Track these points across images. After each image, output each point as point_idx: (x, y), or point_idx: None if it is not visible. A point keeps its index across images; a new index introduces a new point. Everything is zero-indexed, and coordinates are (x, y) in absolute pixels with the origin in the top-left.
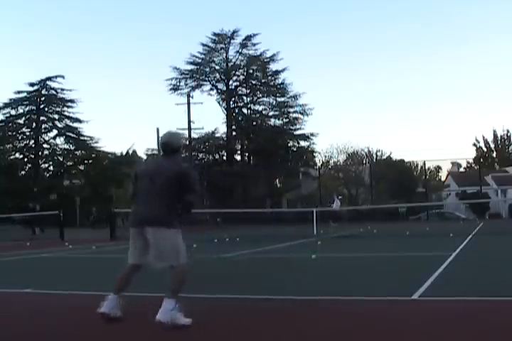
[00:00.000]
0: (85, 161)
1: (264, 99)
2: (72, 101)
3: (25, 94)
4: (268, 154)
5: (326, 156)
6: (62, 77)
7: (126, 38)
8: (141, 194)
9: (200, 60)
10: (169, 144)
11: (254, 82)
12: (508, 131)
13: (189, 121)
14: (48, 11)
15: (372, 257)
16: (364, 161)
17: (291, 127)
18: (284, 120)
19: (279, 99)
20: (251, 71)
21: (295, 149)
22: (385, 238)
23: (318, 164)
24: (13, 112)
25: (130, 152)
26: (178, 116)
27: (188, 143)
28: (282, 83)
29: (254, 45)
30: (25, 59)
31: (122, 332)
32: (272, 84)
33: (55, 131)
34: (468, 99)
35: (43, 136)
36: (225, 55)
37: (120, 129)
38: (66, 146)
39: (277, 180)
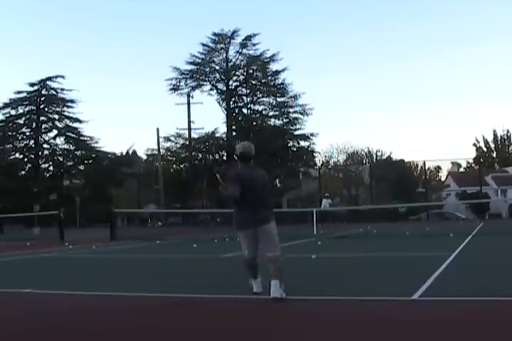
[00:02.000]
0: (85, 161)
1: (264, 99)
2: (72, 101)
3: (25, 94)
4: (268, 154)
5: (326, 156)
6: (62, 77)
7: (126, 38)
8: (250, 198)
9: (200, 60)
10: (245, 153)
11: (254, 82)
12: (508, 131)
13: (189, 121)
14: (48, 11)
15: (372, 257)
16: (364, 161)
17: (291, 127)
18: (284, 120)
19: (279, 99)
20: (251, 71)
21: (295, 149)
22: (385, 238)
23: (318, 164)
24: (13, 112)
25: (130, 152)
26: (178, 116)
27: (187, 143)
28: (282, 83)
29: (254, 45)
30: (25, 59)
31: (122, 331)
32: (272, 84)
33: (55, 131)
34: (468, 99)
35: (43, 136)
36: (225, 55)
37: (120, 129)
38: (66, 146)
39: (277, 180)
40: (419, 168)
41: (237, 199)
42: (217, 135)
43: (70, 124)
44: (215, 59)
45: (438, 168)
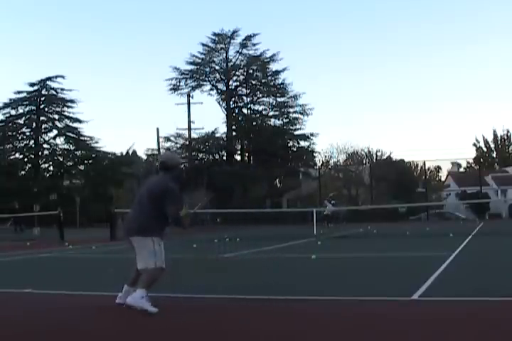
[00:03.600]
0: (85, 161)
1: (264, 99)
2: (72, 101)
3: (25, 94)
4: (268, 154)
5: (326, 156)
6: (62, 77)
7: (126, 38)
8: (132, 206)
9: (200, 60)
10: (164, 163)
11: (254, 82)
12: (508, 131)
13: (189, 121)
14: (48, 11)
15: (372, 257)
16: (364, 161)
17: (291, 127)
18: (284, 120)
19: (279, 99)
20: (251, 71)
21: (295, 149)
22: (385, 238)
23: (318, 164)
24: (13, 112)
25: (130, 152)
26: (178, 116)
27: (187, 143)
28: (282, 83)
29: (254, 45)
30: (25, 59)
31: (122, 331)
32: (272, 84)
33: (55, 131)
34: (468, 99)
35: (43, 136)
36: (225, 55)
37: (120, 129)
38: (66, 146)
39: (277, 180)
40: (419, 168)
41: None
42: (217, 135)
43: (70, 124)
44: (215, 59)
45: (438, 168)
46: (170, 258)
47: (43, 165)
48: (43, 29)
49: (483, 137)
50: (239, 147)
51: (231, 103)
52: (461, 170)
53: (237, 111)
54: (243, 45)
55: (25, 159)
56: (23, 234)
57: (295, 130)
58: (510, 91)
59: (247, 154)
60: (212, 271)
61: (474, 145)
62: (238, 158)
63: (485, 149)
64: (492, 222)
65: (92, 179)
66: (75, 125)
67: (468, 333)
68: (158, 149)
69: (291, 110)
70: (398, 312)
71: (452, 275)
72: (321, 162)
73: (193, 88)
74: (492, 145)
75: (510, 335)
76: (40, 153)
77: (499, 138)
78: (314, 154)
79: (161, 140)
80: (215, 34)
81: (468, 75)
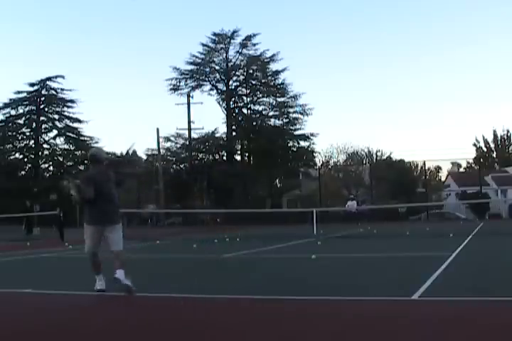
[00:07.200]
0: (85, 161)
1: (264, 99)
2: (72, 101)
3: (25, 94)
4: (268, 154)
5: (326, 156)
6: (62, 77)
7: (126, 38)
8: (99, 197)
9: (200, 60)
10: (97, 156)
11: (254, 82)
12: (508, 131)
13: (189, 121)
14: (48, 11)
15: (372, 257)
16: (364, 161)
17: (291, 127)
18: (284, 120)
19: (279, 99)
20: (251, 71)
21: (295, 149)
22: (385, 238)
23: (318, 164)
24: (13, 112)
25: (130, 152)
26: (178, 116)
27: (187, 143)
28: (282, 83)
29: (254, 45)
30: (25, 59)
31: (122, 331)
32: (272, 84)
33: (55, 131)
34: (468, 99)
35: (43, 136)
36: (225, 55)
37: (120, 129)
38: (66, 146)
39: (277, 180)
40: (419, 168)
41: (91, 200)
42: (217, 135)
43: (70, 124)
44: (215, 59)
45: (438, 168)
46: (170, 258)
47: (43, 165)
48: (43, 29)
49: (483, 137)
50: (239, 147)
51: (231, 103)
52: (461, 170)
53: (237, 111)
54: (243, 45)
55: (25, 159)
56: (31, 235)
57: (295, 130)
58: (510, 92)
59: (247, 154)
60: (212, 271)
61: (474, 145)
62: (238, 158)
63: (485, 149)
64: (492, 222)
65: None
66: (75, 125)
67: (468, 333)
68: (158, 149)
69: (291, 110)
70: (398, 312)
71: (452, 275)
72: (321, 162)
73: (193, 88)
74: (492, 146)
75: (510, 336)
76: (40, 153)
77: (499, 138)
78: (314, 154)
79: (161, 140)
80: (215, 34)
81: (468, 75)
